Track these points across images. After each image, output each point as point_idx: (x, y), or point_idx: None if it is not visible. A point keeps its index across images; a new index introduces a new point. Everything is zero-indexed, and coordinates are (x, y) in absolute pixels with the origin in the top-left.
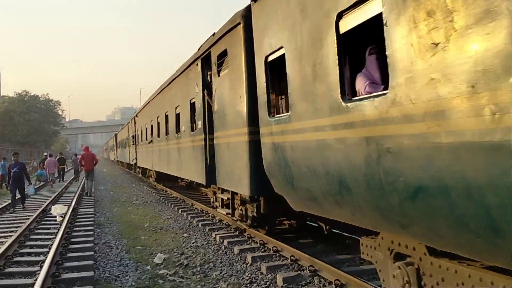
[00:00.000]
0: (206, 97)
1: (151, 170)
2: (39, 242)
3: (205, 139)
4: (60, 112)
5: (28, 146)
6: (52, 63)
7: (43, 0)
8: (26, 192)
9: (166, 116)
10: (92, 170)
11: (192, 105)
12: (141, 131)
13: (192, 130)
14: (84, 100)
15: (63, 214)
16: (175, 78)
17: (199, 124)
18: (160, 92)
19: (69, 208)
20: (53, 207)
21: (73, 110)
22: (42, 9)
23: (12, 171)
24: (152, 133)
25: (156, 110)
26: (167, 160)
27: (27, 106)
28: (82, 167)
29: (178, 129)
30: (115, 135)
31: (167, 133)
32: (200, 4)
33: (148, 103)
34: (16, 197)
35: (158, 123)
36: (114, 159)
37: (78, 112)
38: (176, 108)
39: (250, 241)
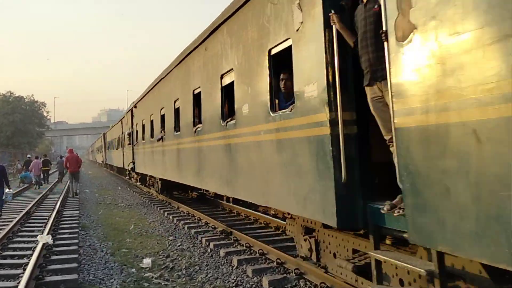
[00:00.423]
0: (337, 25)
1: (154, 177)
2: (22, 245)
3: (332, 123)
4: (45, 114)
5: (12, 148)
6: (36, 65)
7: (25, 2)
8: (3, 198)
9: (196, 96)
10: (78, 171)
11: (274, 59)
12: (143, 126)
13: (274, 109)
14: (70, 102)
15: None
16: (223, 23)
17: (310, 91)
18: (181, 61)
19: (53, 210)
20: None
21: (58, 112)
22: (25, 11)
23: None
24: (163, 127)
25: (173, 91)
26: (197, 167)
27: (12, 107)
28: (67, 169)
29: (228, 114)
30: (104, 134)
31: (196, 124)
32: (189, 9)
33: (155, 84)
34: None
35: (177, 109)
36: (102, 161)
37: (64, 113)
38: (221, 77)
39: (236, 244)
